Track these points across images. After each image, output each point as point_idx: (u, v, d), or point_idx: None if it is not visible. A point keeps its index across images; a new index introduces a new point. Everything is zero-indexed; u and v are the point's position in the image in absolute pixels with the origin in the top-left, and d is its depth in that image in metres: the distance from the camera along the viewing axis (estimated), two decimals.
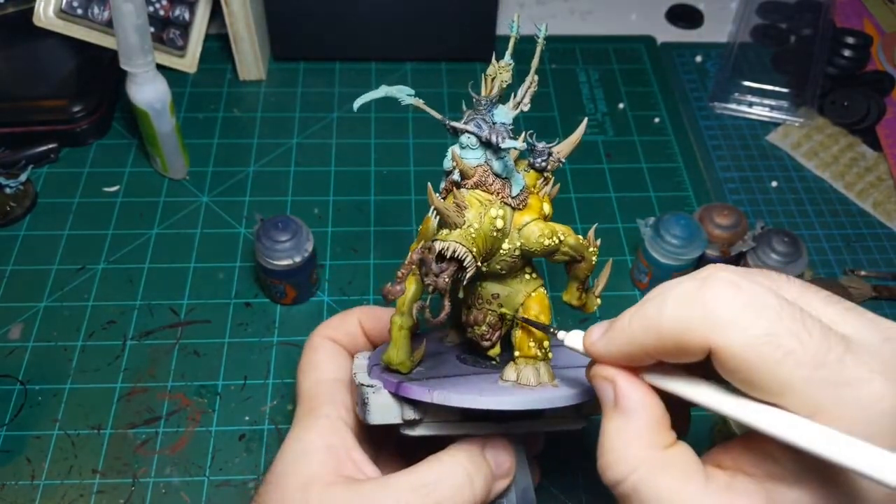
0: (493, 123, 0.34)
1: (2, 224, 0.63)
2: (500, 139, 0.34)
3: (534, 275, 0.39)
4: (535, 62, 0.36)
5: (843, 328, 0.25)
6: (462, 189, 0.35)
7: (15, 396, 0.53)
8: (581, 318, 0.58)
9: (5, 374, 0.54)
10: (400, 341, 0.37)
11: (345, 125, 0.73)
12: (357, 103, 0.34)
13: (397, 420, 0.37)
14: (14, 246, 0.62)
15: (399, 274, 0.34)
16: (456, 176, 0.35)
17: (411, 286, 0.36)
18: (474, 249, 0.33)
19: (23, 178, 0.65)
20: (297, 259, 0.55)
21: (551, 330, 0.34)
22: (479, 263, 0.34)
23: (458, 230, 0.33)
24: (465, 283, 0.34)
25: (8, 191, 0.64)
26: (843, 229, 0.68)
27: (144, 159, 0.69)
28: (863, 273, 0.64)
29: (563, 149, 0.38)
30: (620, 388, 0.29)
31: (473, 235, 0.33)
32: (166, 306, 0.59)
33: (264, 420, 0.53)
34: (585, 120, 0.39)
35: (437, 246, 0.33)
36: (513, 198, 0.35)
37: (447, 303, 0.34)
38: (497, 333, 0.39)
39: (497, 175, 0.35)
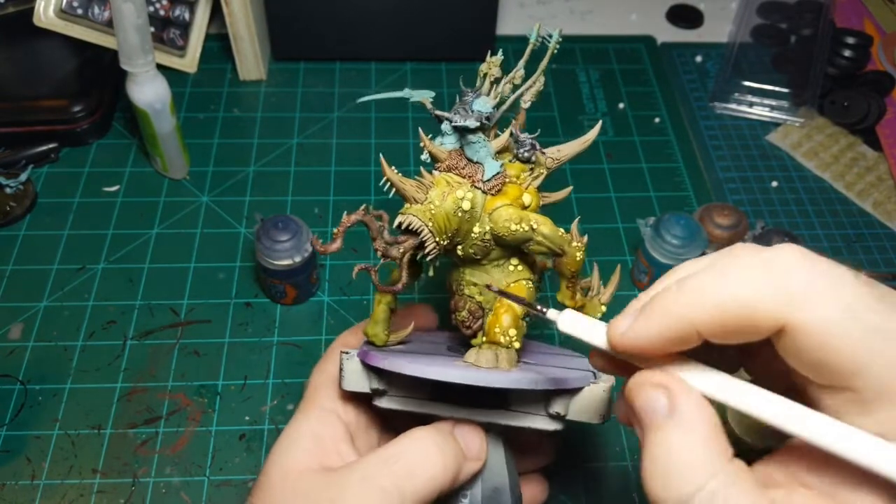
0: (472, 111, 0.36)
1: (2, 224, 0.63)
2: (456, 119, 0.35)
3: (520, 267, 0.39)
4: (543, 63, 0.37)
5: None
6: (434, 171, 0.37)
7: (15, 396, 0.53)
8: None
9: (5, 374, 0.54)
10: (378, 315, 0.39)
11: (345, 125, 0.73)
12: (366, 98, 0.37)
13: (366, 388, 0.38)
14: (14, 246, 0.62)
15: (334, 232, 0.36)
16: (425, 156, 0.37)
17: (403, 271, 0.36)
18: (430, 224, 0.35)
19: (23, 177, 0.65)
20: (297, 259, 0.55)
21: (539, 308, 0.31)
22: (438, 241, 0.35)
23: (419, 205, 0.35)
24: (429, 260, 0.36)
25: (8, 191, 0.64)
26: (843, 229, 0.68)
27: (144, 159, 0.69)
28: (863, 273, 0.64)
29: (569, 149, 0.39)
30: (676, 395, 0.25)
31: (433, 212, 0.35)
32: (166, 306, 0.59)
33: (264, 420, 0.53)
34: (599, 123, 0.40)
35: (399, 219, 0.35)
36: (483, 182, 0.36)
37: (404, 274, 0.36)
38: (479, 322, 0.39)
39: (469, 159, 0.36)
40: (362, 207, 0.36)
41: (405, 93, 0.37)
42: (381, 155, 0.36)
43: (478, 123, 0.35)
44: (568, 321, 0.29)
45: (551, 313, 0.30)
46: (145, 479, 0.50)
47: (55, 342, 0.56)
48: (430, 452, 0.35)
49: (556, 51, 0.37)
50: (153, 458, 0.51)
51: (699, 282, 0.24)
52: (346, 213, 0.36)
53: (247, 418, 0.53)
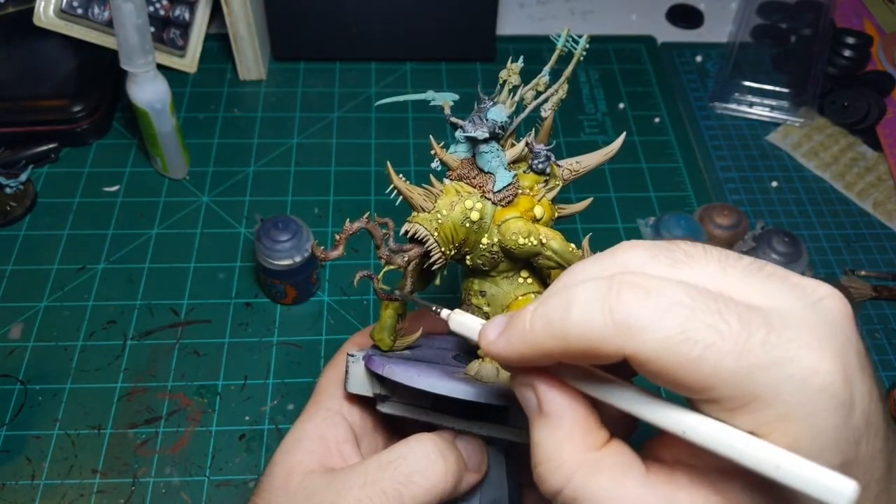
0: (486, 120, 0.35)
1: (2, 224, 0.63)
2: (468, 129, 0.34)
3: (529, 280, 0.38)
4: (568, 70, 0.37)
5: (768, 300, 0.23)
6: (445, 179, 0.36)
7: (15, 396, 0.53)
8: None
9: (5, 374, 0.54)
10: (384, 321, 0.38)
11: (345, 125, 0.73)
12: (387, 101, 0.37)
13: (369, 393, 0.38)
14: (14, 246, 0.62)
15: (336, 238, 0.36)
16: (435, 163, 0.37)
17: (409, 279, 0.36)
18: (436, 234, 0.34)
19: (23, 177, 0.65)
20: (297, 259, 0.55)
21: (433, 309, 0.32)
22: (444, 251, 0.35)
23: (425, 214, 0.35)
24: (436, 269, 0.35)
25: (8, 191, 0.64)
26: (843, 229, 0.68)
27: (144, 159, 0.69)
28: (863, 273, 0.64)
29: (590, 161, 0.39)
30: (542, 393, 0.26)
31: (440, 221, 0.34)
32: (166, 306, 0.59)
33: (264, 420, 0.53)
34: (623, 135, 0.39)
35: (405, 227, 0.34)
36: (494, 193, 0.35)
37: (409, 282, 0.36)
38: None
39: (480, 169, 0.36)
40: (365, 215, 0.35)
41: (428, 95, 0.36)
42: (387, 163, 0.35)
43: (487, 134, 0.35)
44: (455, 321, 0.30)
45: (444, 313, 0.31)
46: (145, 479, 0.50)
47: (55, 342, 0.56)
48: (432, 459, 0.35)
49: (582, 57, 0.37)
50: (153, 458, 0.51)
51: (545, 314, 0.24)
52: (348, 220, 0.35)
53: (247, 418, 0.53)
